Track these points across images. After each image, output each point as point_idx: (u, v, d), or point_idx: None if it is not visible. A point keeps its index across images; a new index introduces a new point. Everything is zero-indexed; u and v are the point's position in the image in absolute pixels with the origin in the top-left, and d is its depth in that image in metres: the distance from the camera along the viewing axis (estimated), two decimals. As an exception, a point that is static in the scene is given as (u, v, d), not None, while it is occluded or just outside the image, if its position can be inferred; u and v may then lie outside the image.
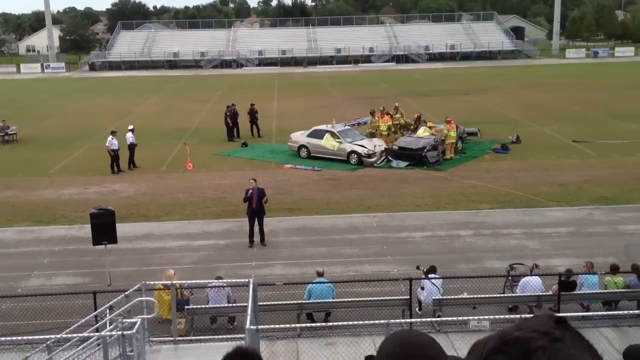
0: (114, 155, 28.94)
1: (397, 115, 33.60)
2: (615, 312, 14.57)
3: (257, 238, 19.61)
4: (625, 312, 14.43)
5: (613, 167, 27.74)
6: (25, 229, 21.82)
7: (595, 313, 14.68)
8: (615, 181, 25.57)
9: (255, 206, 19.38)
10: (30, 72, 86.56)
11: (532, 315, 1.42)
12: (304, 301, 14.94)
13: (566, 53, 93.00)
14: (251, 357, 2.83)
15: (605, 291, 15.20)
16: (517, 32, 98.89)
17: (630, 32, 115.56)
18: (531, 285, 15.00)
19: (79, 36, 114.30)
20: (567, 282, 14.82)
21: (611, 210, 22.07)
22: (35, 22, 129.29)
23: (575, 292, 14.96)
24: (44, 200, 25.11)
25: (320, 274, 15.49)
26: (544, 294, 14.89)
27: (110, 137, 29.06)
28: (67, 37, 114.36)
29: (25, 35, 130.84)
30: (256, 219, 19.56)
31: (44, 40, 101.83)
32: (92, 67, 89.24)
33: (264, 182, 22.68)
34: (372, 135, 32.06)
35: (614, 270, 15.31)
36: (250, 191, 19.40)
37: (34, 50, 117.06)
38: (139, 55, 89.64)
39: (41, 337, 12.34)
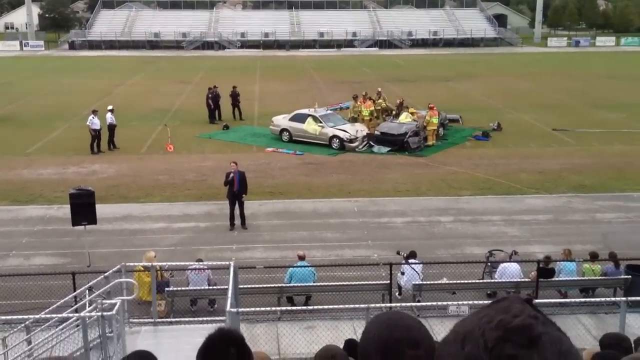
0: (95, 135, 28.67)
1: (380, 100, 33.62)
2: (592, 299, 14.76)
3: (237, 221, 19.59)
4: (602, 299, 14.62)
5: (592, 156, 28.02)
6: (3, 209, 21.60)
7: (572, 300, 14.88)
8: (594, 169, 25.83)
9: (236, 189, 19.34)
10: (9, 49, 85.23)
11: (502, 298, 1.43)
12: (284, 284, 14.98)
13: (548, 42, 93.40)
14: (233, 337, 2.83)
15: (582, 278, 15.38)
16: (500, 20, 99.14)
17: (611, 22, 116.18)
18: (509, 271, 15.14)
19: (59, 14, 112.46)
20: (545, 269, 14.97)
21: (589, 199, 22.31)
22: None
23: (553, 279, 15.12)
24: (22, 179, 24.86)
25: (301, 258, 15.52)
26: (523, 280, 15.04)
27: (91, 117, 28.79)
28: (47, 15, 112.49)
29: (4, 12, 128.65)
30: (237, 202, 19.54)
31: (23, 17, 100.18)
32: (72, 46, 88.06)
33: (245, 165, 22.61)
34: (354, 120, 32.08)
35: (594, 257, 15.49)
36: (232, 174, 19.35)
37: (12, 28, 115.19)
38: (120, 35, 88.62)
39: (19, 317, 12.24)
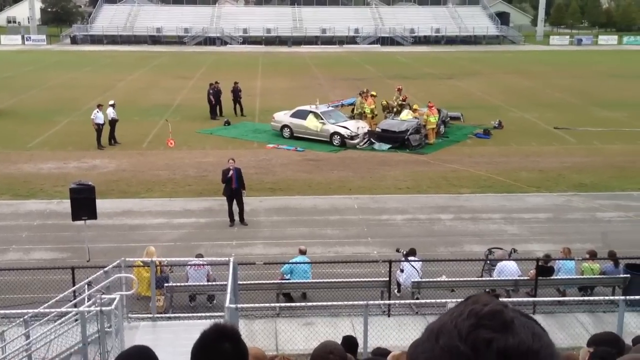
0: (98, 130, 28.65)
1: (400, 98, 33.45)
2: (591, 298, 14.77)
3: (237, 217, 19.58)
4: (601, 297, 14.62)
5: (593, 155, 28.00)
6: (4, 203, 21.61)
7: (571, 298, 14.88)
8: (595, 168, 25.82)
9: (234, 186, 19.32)
10: (11, 43, 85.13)
11: (469, 296, 1.46)
12: (284, 281, 14.99)
13: (550, 40, 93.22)
14: (228, 333, 2.82)
15: (581, 277, 15.39)
16: (502, 18, 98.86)
17: (613, 21, 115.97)
18: (507, 269, 15.14)
19: (61, 8, 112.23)
20: (544, 267, 14.98)
21: (590, 197, 22.30)
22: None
23: (552, 277, 15.13)
24: (23, 173, 24.87)
25: (302, 252, 15.53)
26: (522, 278, 15.04)
27: (95, 111, 28.79)
28: (49, 9, 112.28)
29: (6, 6, 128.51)
30: (234, 199, 19.51)
31: (25, 11, 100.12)
32: (74, 41, 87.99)
33: (246, 162, 22.65)
34: (360, 116, 32.08)
35: (593, 256, 15.49)
36: (231, 172, 19.31)
37: (14, 22, 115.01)
38: (122, 30, 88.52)
39: (18, 311, 12.25)
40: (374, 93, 33.23)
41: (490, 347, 1.28)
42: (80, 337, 11.25)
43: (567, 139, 31.17)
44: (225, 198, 19.66)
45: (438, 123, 30.34)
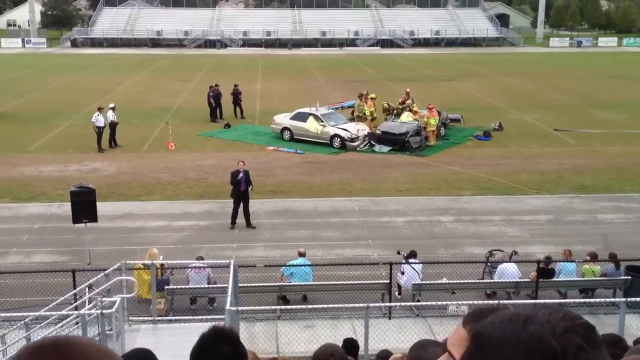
0: (98, 133, 28.66)
1: (409, 101, 33.38)
2: (592, 300, 14.75)
3: (239, 220, 19.52)
4: (602, 299, 14.61)
5: (593, 156, 27.99)
6: (4, 206, 21.61)
7: (572, 300, 14.84)
8: (595, 170, 25.80)
9: (243, 189, 19.31)
10: (11, 46, 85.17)
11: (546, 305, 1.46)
12: (285, 283, 14.98)
13: (550, 42, 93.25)
14: (227, 336, 2.82)
15: (582, 279, 15.37)
16: (502, 20, 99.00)
17: (613, 23, 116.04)
18: (508, 272, 15.13)
19: (61, 11, 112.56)
20: (545, 270, 14.96)
21: (590, 199, 22.29)
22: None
23: (553, 280, 15.11)
24: (24, 177, 24.88)
25: (302, 255, 15.54)
26: (522, 280, 15.03)
27: (96, 114, 28.81)
28: (49, 12, 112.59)
29: (6, 10, 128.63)
30: (241, 202, 19.48)
31: (26, 14, 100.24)
32: (74, 44, 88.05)
33: (246, 164, 22.56)
34: (359, 118, 32.08)
35: (594, 258, 15.47)
36: (241, 174, 19.31)
37: (14, 25, 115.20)
38: (122, 33, 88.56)
39: (19, 314, 12.26)
40: (373, 95, 33.26)
41: (579, 355, 1.29)
42: (81, 340, 11.21)
43: (567, 140, 31.16)
44: (232, 200, 19.59)
45: (438, 125, 30.34)
